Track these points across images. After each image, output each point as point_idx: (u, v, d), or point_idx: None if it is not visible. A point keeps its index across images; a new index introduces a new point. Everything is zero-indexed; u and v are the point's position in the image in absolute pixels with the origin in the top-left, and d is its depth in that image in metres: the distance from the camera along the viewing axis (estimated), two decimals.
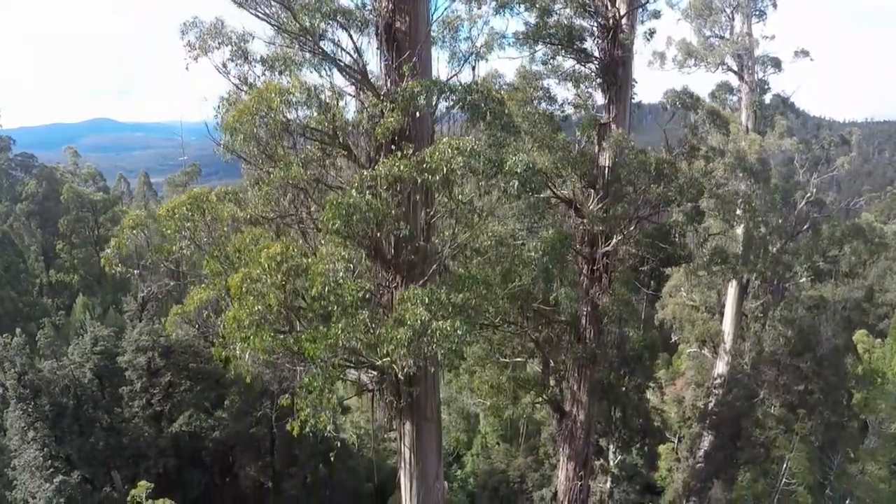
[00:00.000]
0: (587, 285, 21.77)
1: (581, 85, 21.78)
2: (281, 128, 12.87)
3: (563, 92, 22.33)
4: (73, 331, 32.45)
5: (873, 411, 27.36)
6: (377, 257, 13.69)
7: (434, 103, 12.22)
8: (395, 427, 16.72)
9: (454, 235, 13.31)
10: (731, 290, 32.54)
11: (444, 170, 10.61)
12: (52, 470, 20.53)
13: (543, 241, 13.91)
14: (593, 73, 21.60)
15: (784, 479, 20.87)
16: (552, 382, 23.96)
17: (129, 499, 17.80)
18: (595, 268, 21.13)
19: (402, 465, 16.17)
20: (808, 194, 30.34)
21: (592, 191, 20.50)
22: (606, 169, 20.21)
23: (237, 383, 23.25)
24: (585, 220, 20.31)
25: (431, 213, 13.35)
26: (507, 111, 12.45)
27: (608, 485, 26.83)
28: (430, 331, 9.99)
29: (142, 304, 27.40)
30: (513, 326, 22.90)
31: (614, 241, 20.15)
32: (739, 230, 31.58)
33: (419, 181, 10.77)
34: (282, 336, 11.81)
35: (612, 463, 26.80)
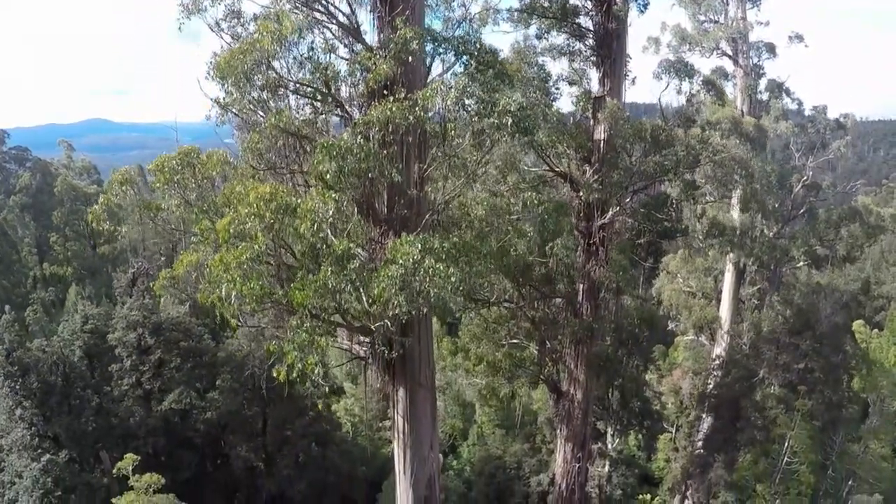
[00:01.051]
0: (583, 260, 21.58)
1: (575, 61, 21.77)
2: (273, 84, 12.77)
3: (558, 68, 22.27)
4: (64, 318, 32.13)
5: (875, 388, 27.13)
6: (369, 214, 13.50)
7: (427, 51, 12.12)
8: (389, 415, 16.44)
9: (446, 190, 13.17)
10: (728, 276, 32.41)
11: (437, 106, 10.47)
12: (39, 450, 20.11)
13: (541, 202, 13.73)
14: (588, 50, 21.59)
15: (786, 458, 20.57)
16: (549, 362, 23.72)
17: (114, 471, 17.40)
18: (591, 241, 20.94)
19: (396, 434, 15.82)
20: (805, 177, 30.31)
21: (588, 165, 20.40)
22: (602, 142, 20.10)
23: (229, 362, 22.89)
24: (581, 193, 20.20)
25: (425, 167, 13.20)
26: (499, 60, 12.35)
27: (606, 468, 26.46)
28: (422, 269, 9.77)
29: (132, 279, 27.06)
30: (509, 304, 22.74)
31: (611, 212, 20.00)
32: (735, 213, 31.56)
33: (411, 120, 10.58)
34: (270, 283, 11.58)
35: (610, 447, 26.46)
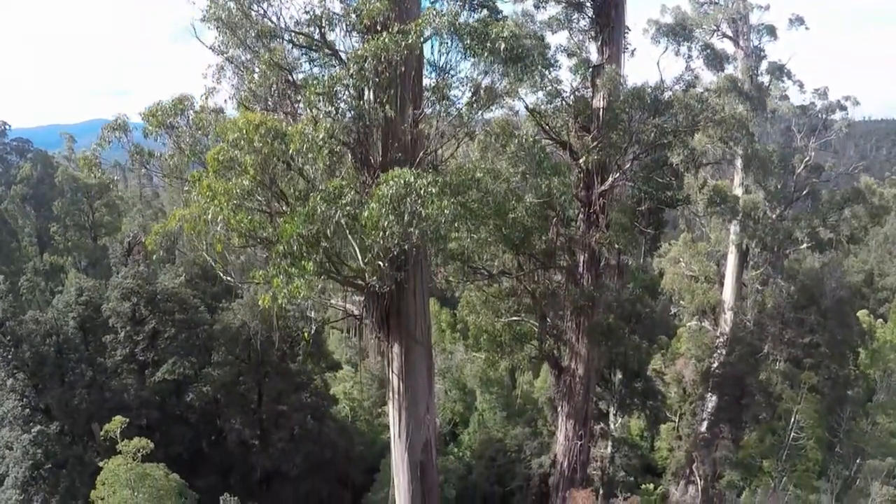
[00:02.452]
0: (584, 231, 21.32)
1: (574, 34, 21.67)
2: (268, 32, 12.66)
3: (556, 41, 22.13)
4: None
5: (881, 361, 26.57)
6: (364, 165, 13.30)
7: None
8: (384, 374, 16.08)
9: (442, 138, 12.98)
10: (731, 259, 32.03)
11: (430, 31, 10.31)
12: (31, 423, 19.79)
13: (536, 142, 13.50)
14: (587, 21, 21.49)
15: (792, 434, 20.09)
16: (549, 337, 23.35)
17: (102, 433, 17.08)
18: (592, 211, 20.70)
19: (390, 395, 15.46)
20: (807, 157, 30.01)
21: (587, 133, 20.20)
22: (601, 110, 19.92)
23: (224, 334, 22.56)
24: (581, 161, 19.99)
25: (420, 112, 13.03)
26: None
27: (609, 450, 25.94)
28: (414, 192, 9.53)
29: (128, 248, 26.88)
30: (509, 277, 22.44)
31: (611, 178, 19.77)
32: (738, 192, 31.22)
33: (404, 48, 10.40)
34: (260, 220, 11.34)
35: (612, 426, 25.96)
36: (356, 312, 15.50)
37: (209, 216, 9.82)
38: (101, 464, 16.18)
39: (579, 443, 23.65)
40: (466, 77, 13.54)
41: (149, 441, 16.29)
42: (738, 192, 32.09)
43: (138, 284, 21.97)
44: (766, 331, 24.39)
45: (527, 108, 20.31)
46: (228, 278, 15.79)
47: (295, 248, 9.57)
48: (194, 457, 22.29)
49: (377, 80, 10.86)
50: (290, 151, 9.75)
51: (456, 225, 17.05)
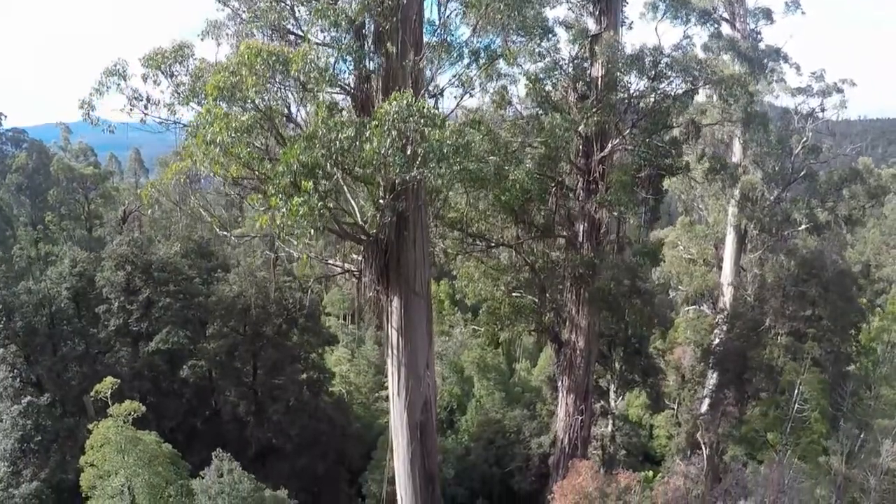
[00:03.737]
0: (583, 199, 21.20)
1: (572, 7, 21.72)
2: None
3: (554, 15, 22.13)
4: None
5: (886, 333, 26.44)
6: (364, 111, 13.15)
7: None
8: (382, 327, 15.80)
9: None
10: (730, 240, 32.00)
11: None
12: (21, 395, 19.36)
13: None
14: None
15: (796, 406, 19.88)
16: (549, 311, 23.12)
17: (92, 393, 16.70)
18: (591, 178, 20.60)
19: (389, 351, 15.16)
20: (804, 138, 30.10)
21: (586, 101, 20.15)
22: (599, 80, 19.91)
23: (219, 306, 22.18)
24: (580, 128, 19.92)
25: (420, 58, 12.91)
26: None
27: (609, 428, 25.63)
28: (417, 111, 9.37)
29: (123, 216, 26.55)
30: (508, 246, 22.26)
31: (610, 145, 19.70)
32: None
33: None
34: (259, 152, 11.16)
35: (613, 404, 25.66)
36: (354, 270, 15.29)
37: (208, 137, 9.62)
38: (90, 427, 15.79)
39: (580, 418, 23.31)
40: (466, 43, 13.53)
41: (140, 405, 15.92)
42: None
43: (132, 252, 21.63)
44: (767, 305, 24.24)
45: (525, 76, 20.27)
46: (224, 232, 15.61)
47: (295, 167, 9.35)
48: (188, 433, 21.86)
49: (380, 8, 10.74)
50: (292, 72, 9.56)
51: (454, 183, 16.93)
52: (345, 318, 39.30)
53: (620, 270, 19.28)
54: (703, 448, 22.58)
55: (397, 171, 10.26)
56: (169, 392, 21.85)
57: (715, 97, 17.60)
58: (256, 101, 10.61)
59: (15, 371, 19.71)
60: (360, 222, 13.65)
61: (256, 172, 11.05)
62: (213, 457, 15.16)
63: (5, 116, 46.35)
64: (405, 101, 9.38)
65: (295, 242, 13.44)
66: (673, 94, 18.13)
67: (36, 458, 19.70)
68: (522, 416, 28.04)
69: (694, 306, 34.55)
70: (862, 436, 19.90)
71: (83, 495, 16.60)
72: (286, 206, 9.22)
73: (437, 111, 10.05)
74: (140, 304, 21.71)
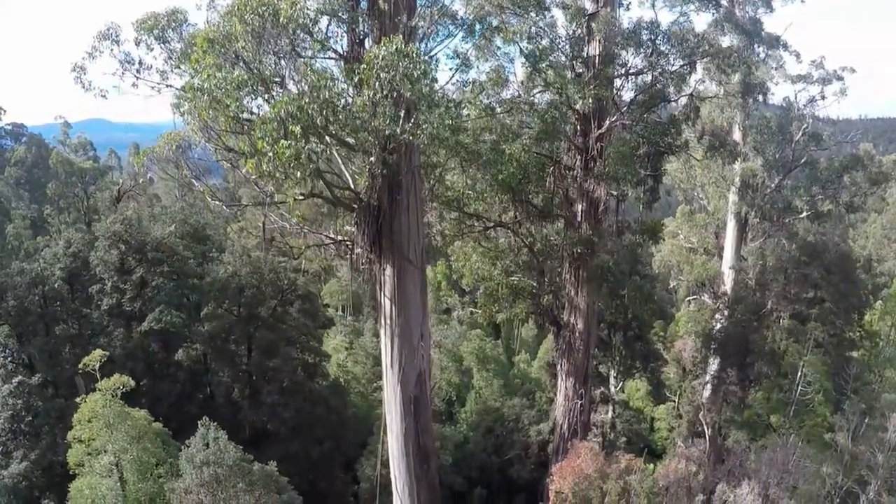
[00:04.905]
0: (581, 178, 20.98)
1: None
2: None
3: None
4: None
5: (890, 315, 26.04)
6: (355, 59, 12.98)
7: None
8: (376, 297, 15.53)
9: None
10: (731, 227, 31.74)
11: None
12: (13, 376, 19.09)
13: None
14: None
15: (800, 389, 19.51)
16: (548, 293, 22.83)
17: (80, 365, 16.45)
18: (589, 157, 20.39)
19: (382, 321, 14.87)
20: (805, 125, 29.91)
21: (582, 77, 19.98)
22: (597, 58, 19.77)
23: (213, 287, 21.91)
24: (578, 105, 19.74)
25: (413, 22, 12.75)
26: None
27: (610, 415, 25.24)
28: (406, 56, 9.16)
29: (117, 195, 26.38)
30: (506, 230, 22.00)
31: (608, 122, 19.50)
32: (736, 164, 31.09)
33: None
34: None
35: (613, 390, 25.29)
36: (347, 241, 15.04)
37: (196, 83, 9.43)
38: (78, 401, 15.53)
39: (579, 402, 22.94)
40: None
41: (129, 379, 15.65)
42: (737, 161, 31.99)
43: (126, 230, 21.40)
44: (768, 288, 23.90)
45: (522, 53, 20.11)
46: (216, 201, 15.38)
47: (283, 114, 9.13)
48: (181, 418, 21.53)
49: None
50: (281, 20, 9.37)
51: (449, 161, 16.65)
52: (343, 310, 39.03)
53: (619, 248, 18.99)
54: (706, 429, 22.19)
55: (387, 122, 10.04)
56: (163, 375, 21.55)
57: (713, 68, 17.39)
58: (246, 57, 10.41)
59: (7, 351, 19.47)
60: (353, 188, 13.44)
61: (245, 127, 10.85)
62: (199, 425, 14.85)
63: (4, 111, 46.44)
64: (395, 47, 9.18)
65: (287, 199, 13.20)
66: (670, 69, 17.94)
67: (27, 440, 19.41)
68: (521, 405, 27.67)
69: (695, 296, 34.25)
70: (867, 420, 19.49)
71: (70, 473, 16.30)
72: (272, 150, 9.00)
73: (426, 60, 9.82)
74: (133, 283, 21.46)
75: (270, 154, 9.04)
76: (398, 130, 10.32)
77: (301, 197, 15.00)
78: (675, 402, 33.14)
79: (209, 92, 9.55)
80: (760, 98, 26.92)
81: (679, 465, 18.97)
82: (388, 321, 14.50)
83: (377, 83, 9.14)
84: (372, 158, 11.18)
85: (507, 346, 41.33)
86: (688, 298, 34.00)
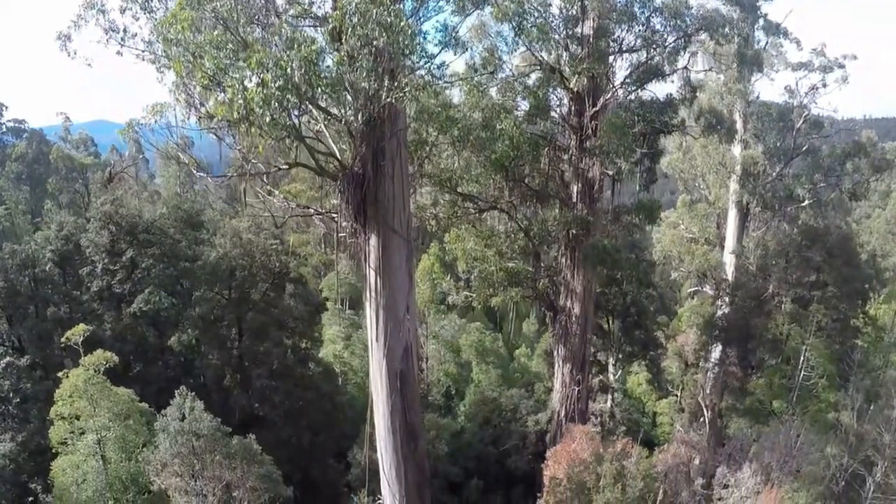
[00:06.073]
0: (576, 158, 20.68)
1: None
2: None
3: None
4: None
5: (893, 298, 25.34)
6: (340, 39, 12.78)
7: None
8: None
9: None
10: (732, 217, 31.27)
11: None
12: (2, 357, 18.91)
13: None
14: None
15: (803, 373, 18.94)
16: (544, 278, 22.47)
17: (63, 339, 16.21)
18: (584, 136, 20.11)
19: (367, 294, 14.53)
20: (806, 112, 29.47)
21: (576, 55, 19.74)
22: (591, 36, 19.53)
23: (203, 269, 21.67)
24: (573, 84, 19.49)
25: None
26: None
27: (609, 404, 24.71)
28: (380, 3, 8.92)
29: (108, 177, 26.31)
30: (501, 213, 21.71)
31: (602, 99, 19.23)
32: (736, 150, 30.68)
33: None
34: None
35: (612, 378, 24.76)
36: (332, 213, 14.77)
37: (171, 36, 9.24)
38: (60, 375, 15.29)
39: (577, 389, 22.47)
40: None
41: (113, 354, 15.39)
42: (737, 149, 31.59)
43: (116, 211, 21.25)
44: (770, 271, 23.37)
45: (515, 30, 19.90)
46: (200, 173, 15.17)
47: (255, 62, 8.89)
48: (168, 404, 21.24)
49: None
50: None
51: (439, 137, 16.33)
52: (341, 303, 38.76)
53: (616, 226, 18.63)
54: (706, 412, 21.62)
55: (364, 75, 9.79)
56: (154, 360, 21.30)
57: (709, 39, 17.09)
58: (225, 15, 10.22)
59: None
60: (338, 158, 13.19)
61: (223, 84, 10.62)
62: (176, 394, 14.53)
63: (6, 108, 46.81)
64: None
65: (271, 169, 12.96)
66: (665, 44, 17.67)
67: (15, 423, 19.18)
68: (520, 396, 27.18)
69: (696, 288, 33.69)
70: (872, 407, 18.88)
71: (52, 451, 16.02)
72: (242, 95, 8.78)
73: (399, 9, 9.56)
74: (123, 265, 21.28)
75: (240, 99, 8.81)
76: (377, 87, 10.07)
77: (286, 166, 14.85)
78: (677, 396, 32.54)
79: (185, 44, 9.35)
80: (758, 74, 26.47)
81: (678, 451, 18.45)
82: (373, 293, 14.16)
83: (351, 31, 8.91)
84: (349, 113, 10.90)
85: (507, 341, 40.86)
86: (689, 291, 33.43)
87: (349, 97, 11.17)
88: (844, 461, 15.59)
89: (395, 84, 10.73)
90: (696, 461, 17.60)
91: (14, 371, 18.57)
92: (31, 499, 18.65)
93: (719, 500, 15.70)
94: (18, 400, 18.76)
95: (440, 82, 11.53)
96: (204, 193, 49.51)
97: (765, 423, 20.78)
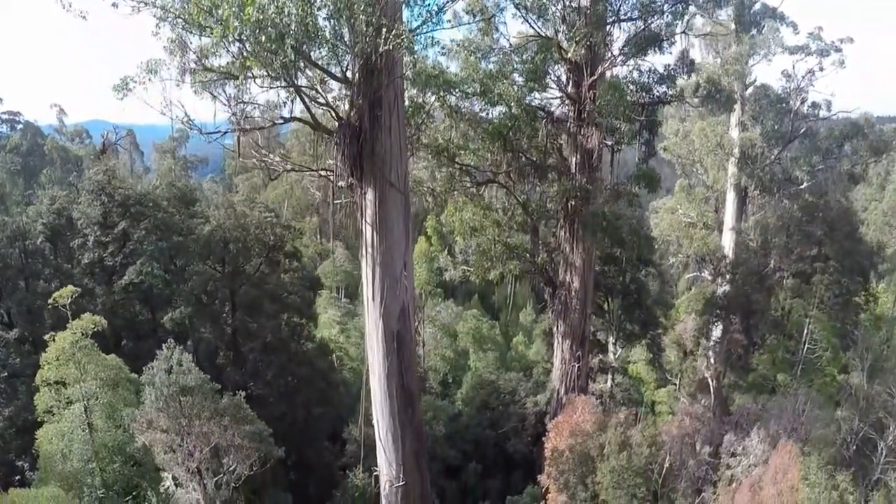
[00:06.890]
0: (575, 131, 20.50)
1: None
2: None
3: None
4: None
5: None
6: None
7: None
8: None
9: None
10: (730, 200, 31.17)
11: None
12: None
13: None
14: None
15: (807, 346, 18.63)
16: (543, 252, 22.20)
17: (50, 301, 15.79)
18: (582, 106, 19.94)
19: (363, 250, 14.20)
20: (804, 94, 29.51)
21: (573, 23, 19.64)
22: (587, 9, 19.45)
23: (197, 242, 21.26)
24: (570, 54, 19.37)
25: None
26: None
27: (608, 384, 24.33)
28: None
29: (102, 147, 25.93)
30: (500, 187, 21.47)
31: (600, 68, 19.09)
32: (735, 133, 30.62)
33: None
34: None
35: (612, 357, 24.41)
36: (328, 172, 14.50)
37: None
38: (47, 338, 14.86)
39: (577, 365, 22.12)
40: None
41: (101, 318, 14.98)
42: (735, 132, 31.57)
43: (108, 181, 20.91)
44: (771, 246, 23.13)
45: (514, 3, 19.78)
46: (194, 130, 14.87)
47: None
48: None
49: None
50: None
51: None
52: (338, 291, 38.37)
53: (614, 194, 18.40)
54: (710, 381, 21.25)
55: (362, 18, 9.54)
56: (146, 335, 20.84)
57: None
58: None
59: None
60: (332, 105, 12.93)
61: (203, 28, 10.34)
62: (164, 347, 14.10)
63: (1, 100, 46.48)
64: None
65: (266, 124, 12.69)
66: (662, 10, 17.58)
67: (2, 398, 18.68)
68: (518, 378, 26.77)
69: (695, 274, 33.45)
70: (876, 386, 18.57)
71: (38, 420, 15.54)
72: (238, 19, 8.52)
73: None
74: (115, 237, 20.88)
75: (236, 23, 8.55)
76: (375, 32, 9.83)
77: (281, 121, 14.58)
78: (675, 385, 32.18)
79: None
80: (756, 57, 26.42)
81: (683, 421, 18.08)
82: (370, 249, 13.83)
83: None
84: (348, 74, 10.64)
85: (504, 331, 40.45)
86: (688, 277, 33.19)
87: (347, 40, 10.94)
88: (855, 424, 15.23)
89: (395, 32, 10.53)
90: (702, 431, 17.23)
91: (2, 345, 18.11)
92: (17, 477, 18.12)
93: (727, 467, 15.30)
94: (6, 374, 18.30)
95: (438, 27, 11.29)
96: (200, 189, 49.41)
97: (769, 398, 20.46)
